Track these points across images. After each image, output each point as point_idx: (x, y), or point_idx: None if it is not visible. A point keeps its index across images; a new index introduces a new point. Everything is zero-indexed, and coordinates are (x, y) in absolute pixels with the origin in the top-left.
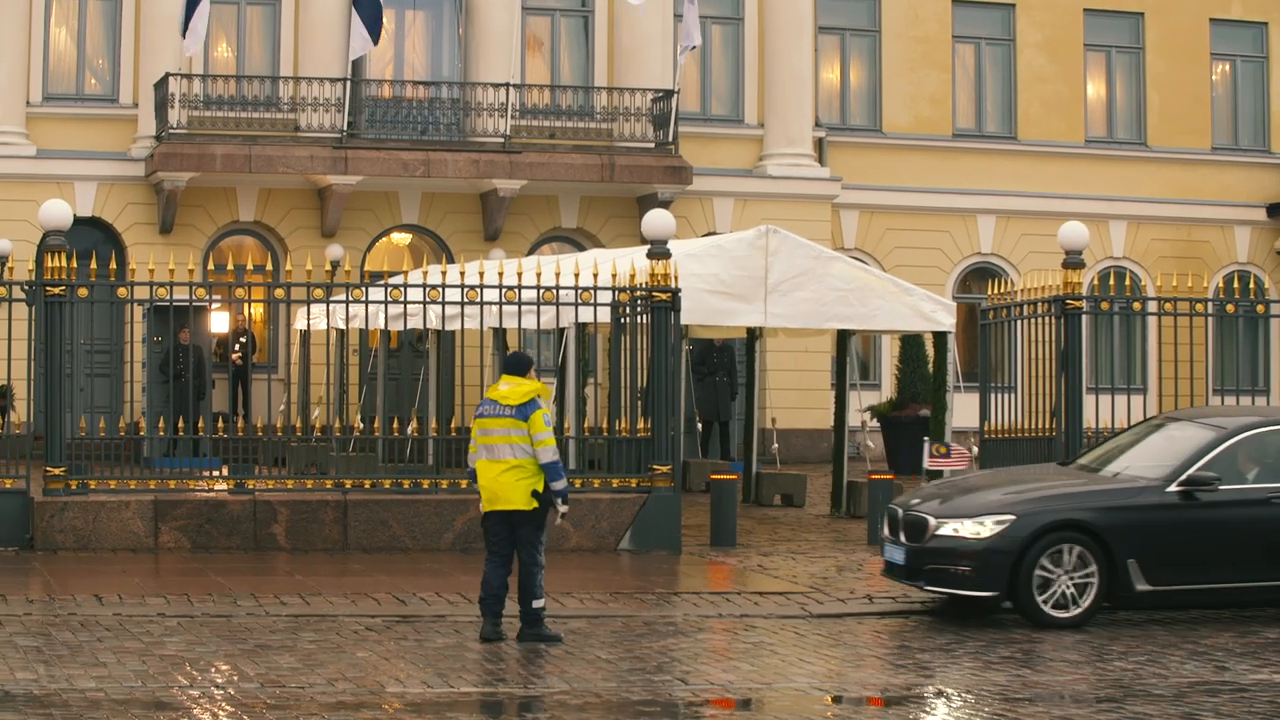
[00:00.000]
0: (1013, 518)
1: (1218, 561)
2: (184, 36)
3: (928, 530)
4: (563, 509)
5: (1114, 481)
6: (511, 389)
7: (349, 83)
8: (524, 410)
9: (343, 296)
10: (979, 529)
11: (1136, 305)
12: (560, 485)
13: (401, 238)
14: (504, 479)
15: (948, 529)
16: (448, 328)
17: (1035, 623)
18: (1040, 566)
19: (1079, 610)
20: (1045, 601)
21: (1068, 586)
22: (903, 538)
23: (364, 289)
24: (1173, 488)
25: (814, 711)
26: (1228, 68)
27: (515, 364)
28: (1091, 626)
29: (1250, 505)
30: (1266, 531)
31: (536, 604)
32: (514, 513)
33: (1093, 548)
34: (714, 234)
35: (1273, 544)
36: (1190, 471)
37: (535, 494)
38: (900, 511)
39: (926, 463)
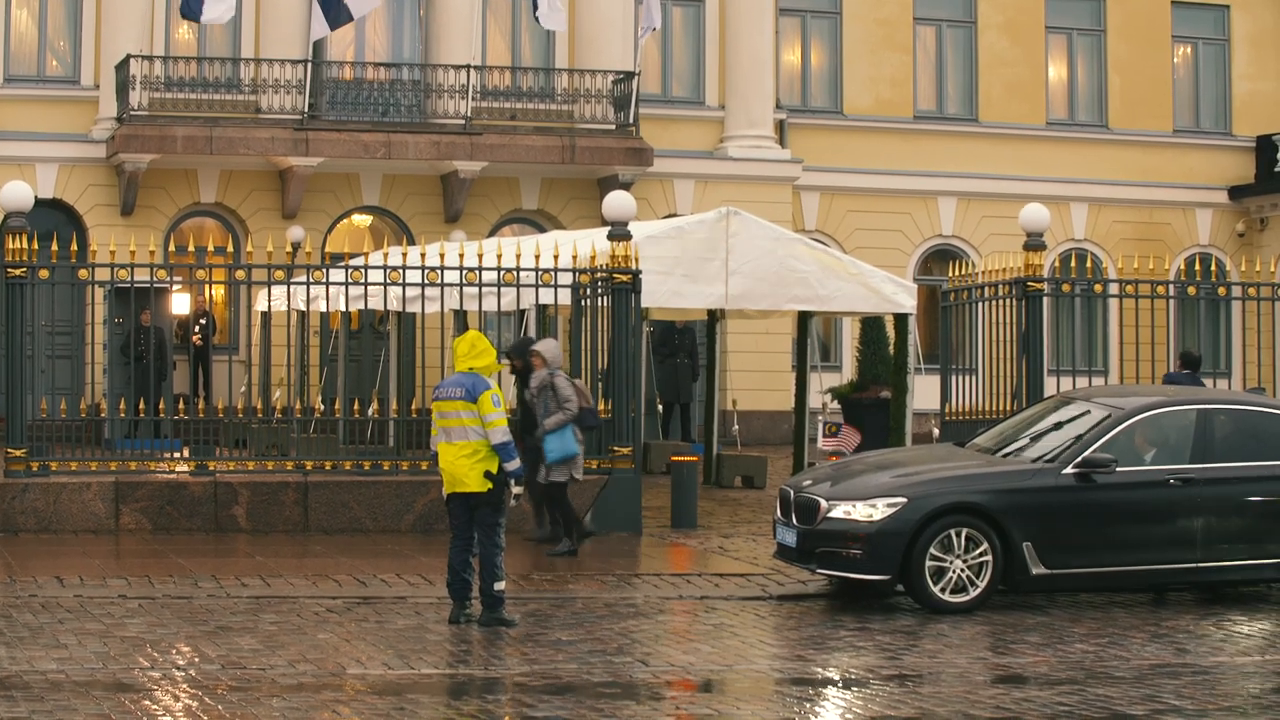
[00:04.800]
0: (904, 500)
1: (1115, 544)
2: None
3: (819, 512)
4: (516, 490)
5: (1010, 463)
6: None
7: (310, 64)
8: (473, 392)
9: (303, 278)
10: (870, 511)
11: (1098, 287)
12: (513, 466)
13: (362, 219)
14: (461, 462)
15: (839, 511)
16: (408, 309)
17: (929, 607)
18: (934, 550)
19: (974, 594)
20: (941, 586)
21: (962, 570)
22: (794, 519)
23: (325, 270)
24: (1069, 470)
25: (775, 693)
26: (1189, 50)
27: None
28: (986, 610)
29: (1147, 487)
30: (1163, 514)
31: (498, 587)
32: (471, 495)
33: (987, 531)
34: (675, 216)
35: (1170, 526)
36: (1087, 453)
37: (489, 475)
38: (792, 493)
39: (820, 443)
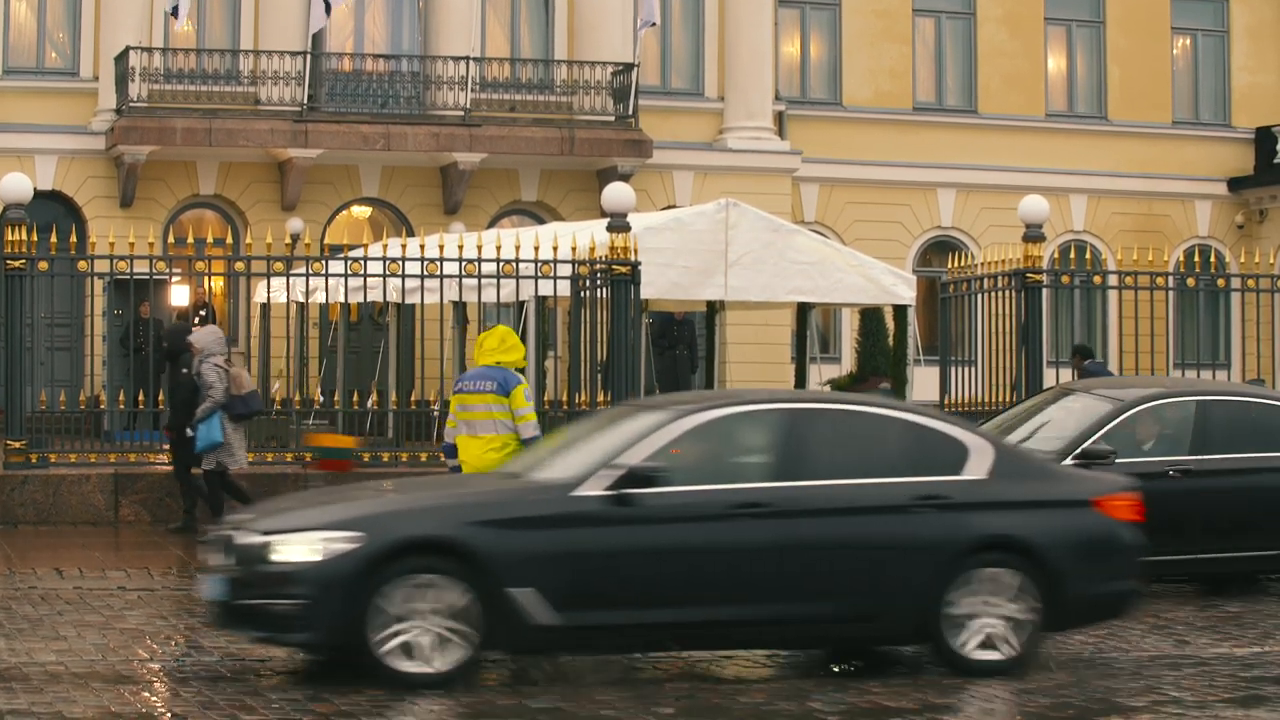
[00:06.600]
0: None
1: None
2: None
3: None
4: None
5: None
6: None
7: (309, 56)
8: (505, 386)
9: (303, 270)
10: None
11: (1097, 279)
12: None
13: (361, 211)
14: (489, 456)
15: None
16: (407, 301)
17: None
18: None
19: None
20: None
21: None
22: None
23: (324, 262)
24: (1069, 461)
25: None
26: (1188, 42)
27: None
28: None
29: (1147, 479)
30: (1162, 505)
31: None
32: None
33: None
34: (674, 207)
35: (1169, 518)
36: (1086, 445)
37: None
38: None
39: None
